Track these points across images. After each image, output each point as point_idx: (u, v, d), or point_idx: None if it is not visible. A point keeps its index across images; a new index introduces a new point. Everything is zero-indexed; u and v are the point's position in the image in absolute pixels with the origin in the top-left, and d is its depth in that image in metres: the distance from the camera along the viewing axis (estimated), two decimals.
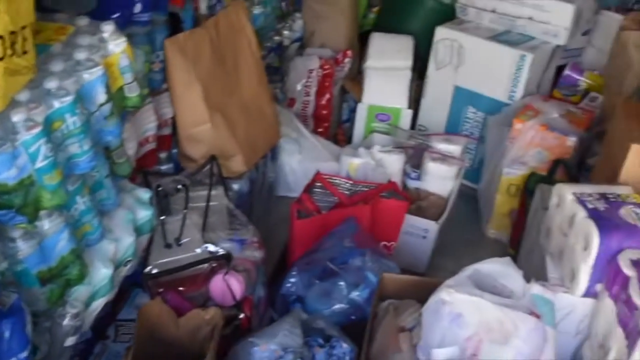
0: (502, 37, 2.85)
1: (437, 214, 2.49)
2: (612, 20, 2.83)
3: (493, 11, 2.92)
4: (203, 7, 2.02)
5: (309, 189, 2.22)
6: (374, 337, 1.67)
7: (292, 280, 1.84)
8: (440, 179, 2.56)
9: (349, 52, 2.98)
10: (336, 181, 2.30)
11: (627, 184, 1.86)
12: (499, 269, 1.58)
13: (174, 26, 1.91)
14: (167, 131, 1.97)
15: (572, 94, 2.93)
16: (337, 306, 1.81)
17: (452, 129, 2.98)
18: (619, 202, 1.76)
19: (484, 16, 2.95)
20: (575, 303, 1.74)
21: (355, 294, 1.82)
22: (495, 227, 2.71)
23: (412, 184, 2.59)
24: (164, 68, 1.87)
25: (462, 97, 2.94)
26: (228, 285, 1.69)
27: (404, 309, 1.70)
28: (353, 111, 2.99)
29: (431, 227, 2.41)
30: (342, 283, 1.83)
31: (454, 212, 2.60)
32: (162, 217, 1.73)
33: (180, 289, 1.68)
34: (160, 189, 1.75)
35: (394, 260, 2.02)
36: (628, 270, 1.58)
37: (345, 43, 3.04)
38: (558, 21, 2.79)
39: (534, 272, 1.94)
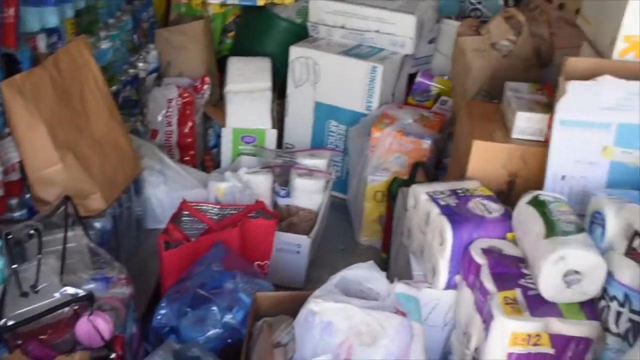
0: (353, 51, 2.97)
1: (309, 228, 2.53)
2: (453, 27, 2.97)
3: (342, 27, 3.04)
4: (42, 46, 1.96)
5: (175, 218, 2.20)
6: (250, 357, 1.67)
7: (162, 311, 1.81)
8: (308, 193, 2.61)
9: (207, 79, 2.99)
10: (204, 207, 2.29)
11: (474, 178, 1.97)
12: (364, 273, 1.62)
13: (11, 67, 1.83)
14: (15, 176, 1.88)
15: (425, 99, 3.09)
16: (212, 332, 1.79)
17: (317, 144, 3.06)
18: (468, 196, 1.87)
19: (335, 32, 3.06)
20: (439, 296, 1.81)
21: (229, 317, 1.81)
22: (367, 235, 2.79)
23: (282, 201, 2.63)
24: (3, 112, 1.79)
25: (323, 112, 3.02)
26: (94, 326, 1.63)
27: (278, 325, 1.71)
28: (219, 136, 3.00)
29: (303, 241, 2.45)
30: (214, 308, 1.81)
31: (326, 224, 2.66)
32: (14, 266, 1.64)
33: (43, 337, 1.61)
34: (10, 236, 1.67)
35: (270, 279, 2.05)
36: (479, 259, 1.67)
37: (202, 70, 3.04)
38: (402, 32, 2.94)
39: (403, 273, 2.02)
